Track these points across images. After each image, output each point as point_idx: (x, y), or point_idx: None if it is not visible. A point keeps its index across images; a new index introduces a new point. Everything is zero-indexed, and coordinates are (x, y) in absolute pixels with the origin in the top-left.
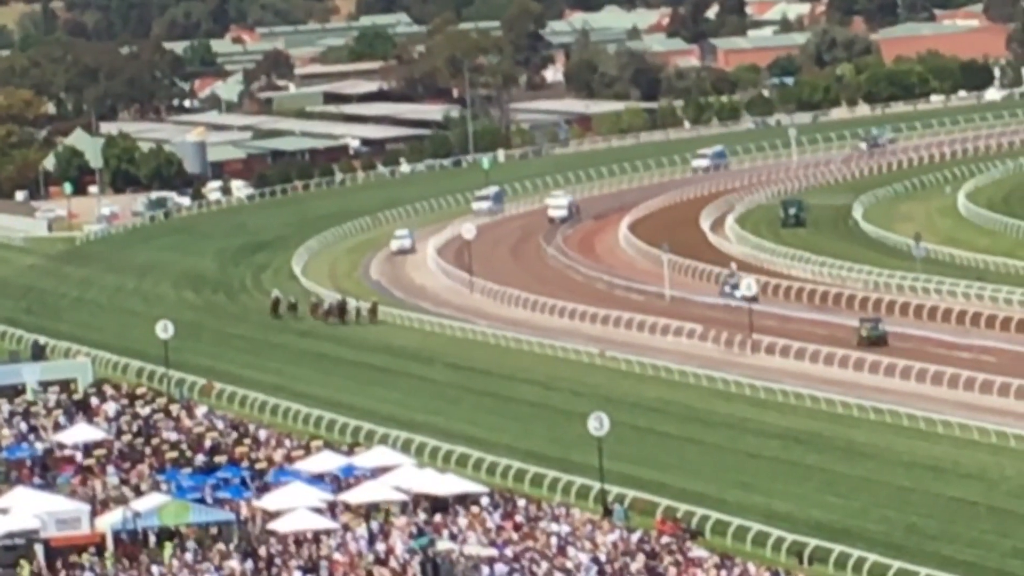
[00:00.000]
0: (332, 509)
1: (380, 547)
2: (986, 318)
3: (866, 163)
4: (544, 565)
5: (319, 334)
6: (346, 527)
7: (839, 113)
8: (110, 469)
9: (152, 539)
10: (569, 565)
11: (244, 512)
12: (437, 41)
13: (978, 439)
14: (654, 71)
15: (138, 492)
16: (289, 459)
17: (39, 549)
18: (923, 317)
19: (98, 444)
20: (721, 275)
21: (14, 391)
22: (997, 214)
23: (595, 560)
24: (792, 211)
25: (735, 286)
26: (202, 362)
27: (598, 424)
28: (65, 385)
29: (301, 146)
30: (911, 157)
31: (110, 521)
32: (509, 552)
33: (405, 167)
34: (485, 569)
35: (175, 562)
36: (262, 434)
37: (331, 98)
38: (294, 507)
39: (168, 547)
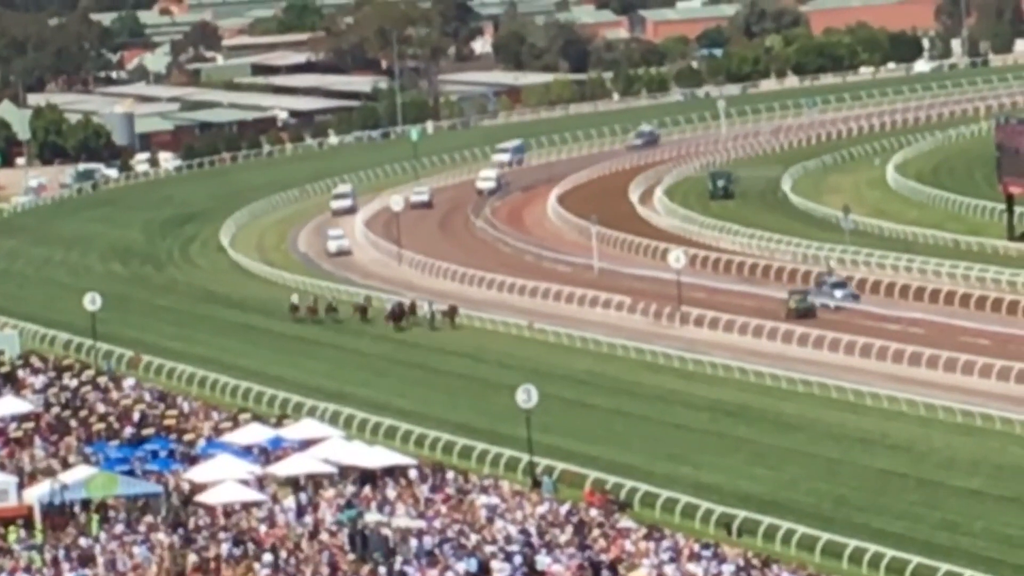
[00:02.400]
0: (260, 481)
1: (308, 519)
2: (914, 290)
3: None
4: (473, 537)
5: (248, 306)
6: (274, 499)
7: (768, 85)
8: (37, 441)
9: (80, 511)
10: (498, 537)
11: (172, 484)
12: (365, 12)
13: (906, 411)
14: (583, 43)
15: (66, 464)
16: (217, 431)
17: None
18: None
19: (25, 416)
20: (817, 274)
21: None
22: (926, 186)
23: (523, 532)
24: (721, 183)
25: (836, 285)
26: (130, 334)
27: (526, 396)
28: None
29: (229, 118)
30: (840, 129)
31: (38, 494)
32: (438, 524)
33: (333, 139)
34: (414, 541)
35: (103, 534)
36: (190, 406)
37: (259, 70)
38: (222, 479)
39: (96, 519)
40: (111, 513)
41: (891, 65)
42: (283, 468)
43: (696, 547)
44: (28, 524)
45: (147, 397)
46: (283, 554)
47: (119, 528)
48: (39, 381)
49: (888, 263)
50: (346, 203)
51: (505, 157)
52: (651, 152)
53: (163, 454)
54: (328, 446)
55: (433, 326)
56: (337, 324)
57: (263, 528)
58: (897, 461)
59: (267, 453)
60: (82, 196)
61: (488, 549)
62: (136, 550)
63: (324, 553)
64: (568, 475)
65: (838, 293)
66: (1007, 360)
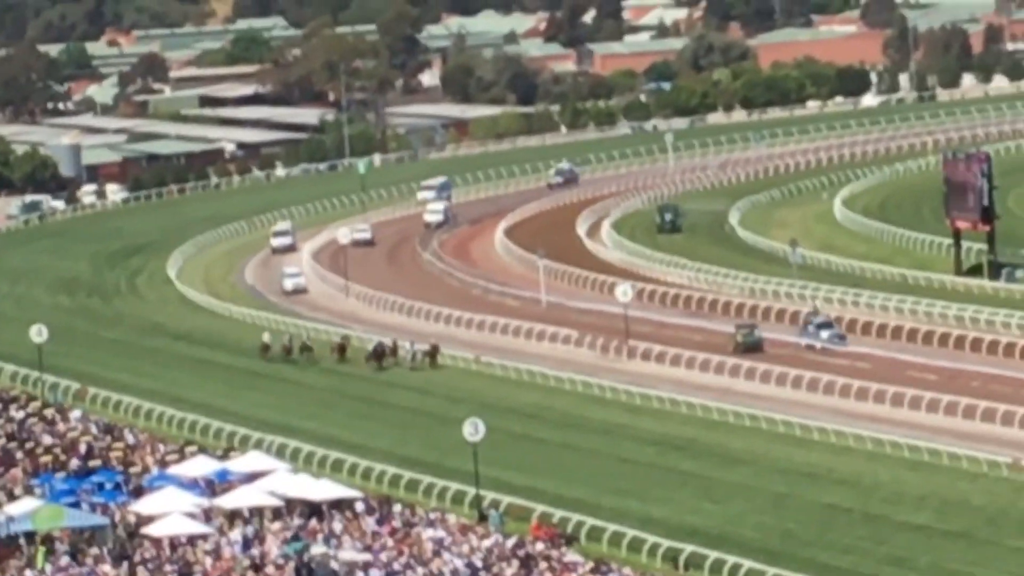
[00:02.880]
0: (206, 514)
1: (254, 552)
2: (862, 325)
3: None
4: (419, 570)
5: (194, 339)
6: (221, 531)
7: (716, 118)
8: None
9: (26, 543)
10: (444, 570)
11: (118, 516)
12: (313, 45)
13: (853, 446)
14: (531, 76)
15: (12, 496)
16: (163, 463)
17: None
18: (799, 323)
19: None
20: (804, 314)
21: None
22: (873, 220)
23: (470, 565)
24: (668, 216)
25: (822, 325)
26: (76, 366)
27: (473, 430)
28: None
29: (176, 149)
30: (788, 163)
31: None
32: (384, 557)
33: (281, 171)
34: (360, 574)
35: (49, 566)
36: (136, 438)
37: (207, 101)
38: (168, 512)
39: (42, 551)
40: (57, 545)
41: (839, 99)
42: (229, 501)
43: None
44: None
45: (93, 429)
46: None
47: (65, 560)
48: None
49: (835, 297)
50: (286, 240)
51: (430, 195)
52: (572, 190)
53: (109, 486)
54: (274, 479)
55: (414, 366)
56: (312, 365)
57: (209, 561)
58: (844, 496)
59: (213, 486)
60: (29, 228)
61: None
62: None
63: None
64: (515, 509)
65: (824, 334)
66: (954, 395)
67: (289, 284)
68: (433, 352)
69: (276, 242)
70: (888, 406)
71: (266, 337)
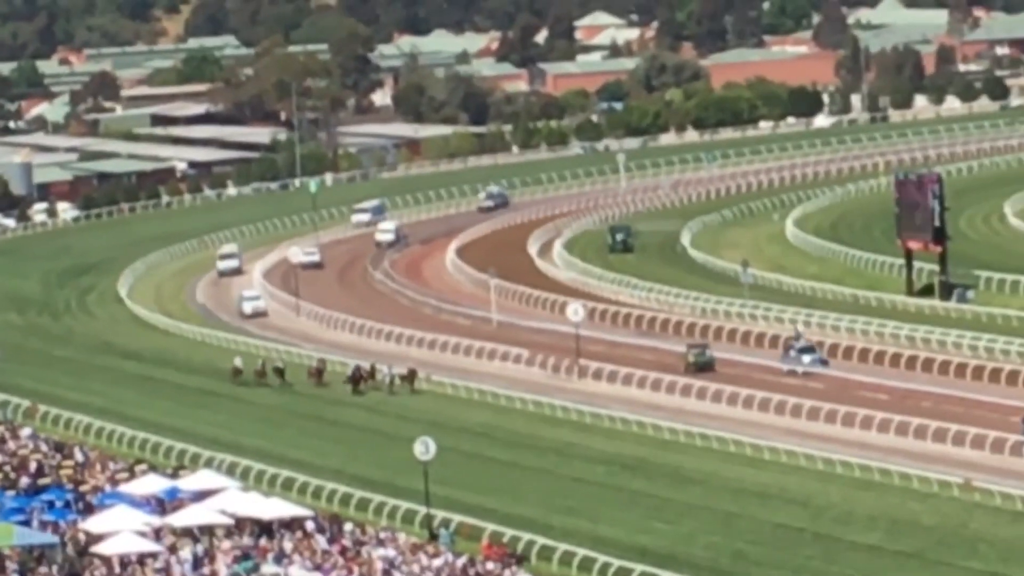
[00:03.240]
0: (156, 532)
1: (204, 571)
2: (814, 345)
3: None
4: None
5: (145, 357)
6: (171, 550)
7: (668, 139)
8: None
9: None
10: None
11: (68, 534)
12: (265, 64)
13: (804, 465)
14: (483, 95)
15: None
16: (113, 482)
17: None
18: (750, 343)
19: None
20: (785, 339)
21: None
22: (825, 241)
23: None
24: (620, 237)
25: (804, 350)
26: (26, 384)
27: (424, 449)
28: None
29: (128, 168)
30: (739, 183)
31: None
32: None
33: (232, 190)
34: None
35: None
36: (86, 456)
37: (158, 120)
38: (119, 530)
39: None
40: (6, 564)
41: (791, 120)
42: (179, 519)
43: None
44: None
45: (44, 447)
46: None
47: None
48: None
49: (787, 318)
50: (233, 263)
51: (364, 217)
52: (504, 214)
53: (59, 504)
54: (225, 497)
55: (392, 391)
56: (285, 388)
57: None
58: (795, 515)
59: (163, 504)
60: None
61: None
62: None
63: None
64: (465, 528)
65: (806, 359)
66: (905, 415)
67: (248, 308)
68: (411, 376)
69: (223, 265)
70: (839, 426)
71: (237, 361)
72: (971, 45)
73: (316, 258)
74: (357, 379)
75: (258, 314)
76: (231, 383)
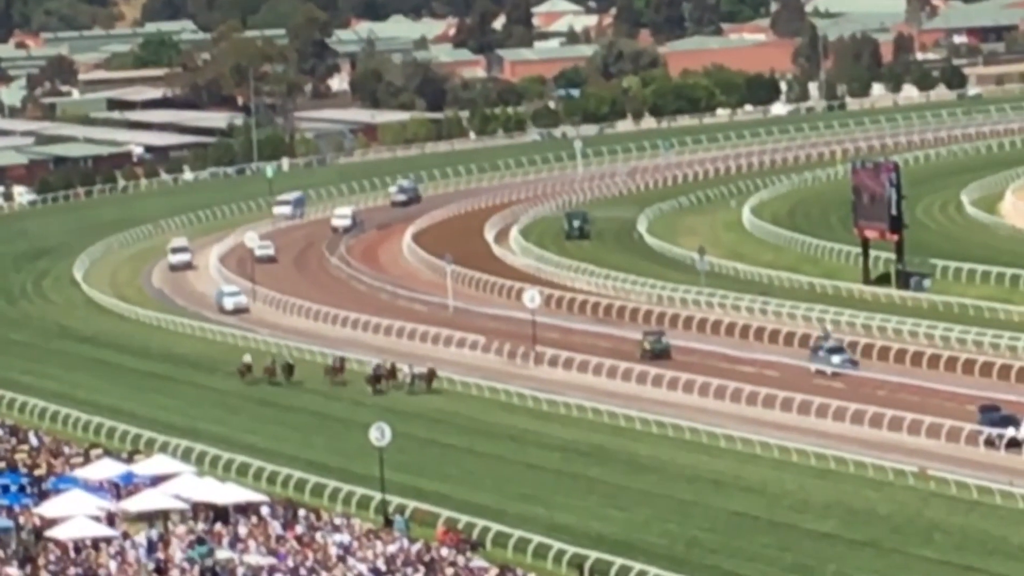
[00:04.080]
0: (111, 517)
1: (159, 555)
2: (769, 332)
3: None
4: (324, 575)
5: (100, 341)
6: (125, 535)
7: (625, 126)
8: None
9: None
10: (349, 575)
11: (22, 519)
12: (222, 48)
13: (760, 453)
14: (440, 81)
15: None
16: (68, 466)
17: None
18: (707, 331)
19: None
20: (814, 339)
21: None
22: (781, 229)
23: (375, 570)
24: (576, 223)
25: (833, 350)
26: None
27: (380, 435)
28: None
29: (84, 152)
30: (696, 170)
31: None
32: (289, 562)
33: (188, 175)
34: None
35: None
36: (41, 441)
37: (115, 104)
38: (73, 514)
39: None
40: None
41: (748, 107)
42: (134, 504)
43: None
44: None
45: None
46: None
47: None
48: None
49: (743, 305)
50: (184, 257)
51: (286, 210)
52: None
53: (14, 489)
54: (180, 482)
55: (412, 390)
56: (295, 386)
57: (114, 564)
58: (750, 503)
59: (118, 489)
60: None
61: None
62: None
63: None
64: (420, 514)
65: (835, 359)
66: (861, 403)
67: (229, 303)
68: (430, 375)
69: (174, 259)
70: (795, 414)
71: (247, 358)
72: (929, 34)
73: (271, 251)
74: (378, 378)
75: (240, 310)
76: (241, 381)
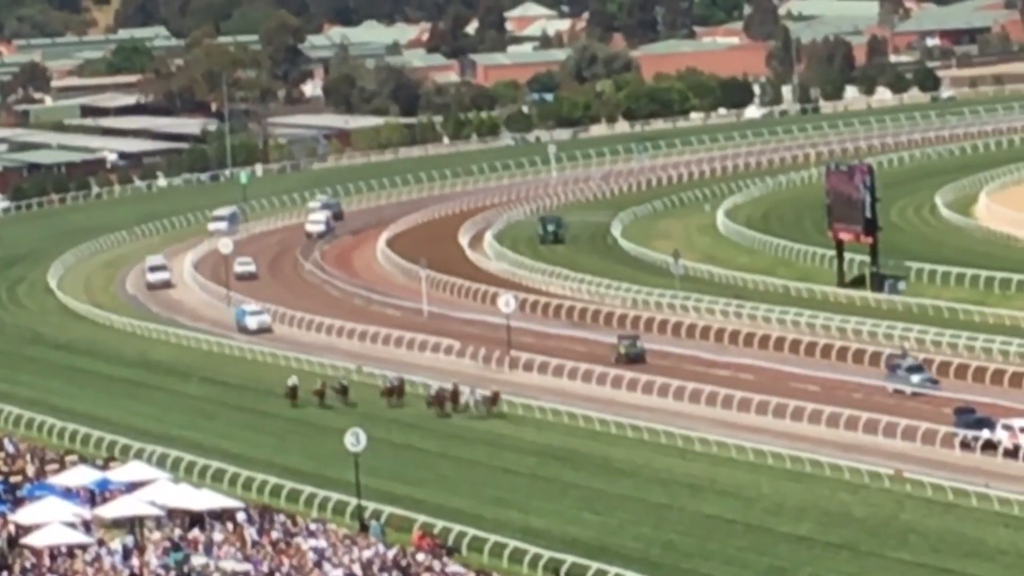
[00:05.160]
0: (86, 524)
1: (135, 562)
2: (744, 336)
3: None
4: None
5: (75, 348)
6: (101, 542)
7: (599, 130)
8: None
9: None
10: None
11: None
12: (195, 55)
13: (735, 457)
14: (413, 86)
15: None
16: (43, 473)
17: None
18: (681, 334)
19: None
20: (888, 356)
21: None
22: (756, 232)
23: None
24: (551, 228)
25: (912, 369)
26: None
27: (355, 440)
28: None
29: (58, 159)
30: (670, 174)
31: None
32: (265, 567)
33: (162, 181)
34: None
35: None
36: (16, 448)
37: (88, 111)
38: (48, 521)
39: None
40: None
41: (722, 111)
42: (110, 510)
43: None
44: None
45: None
46: None
47: None
48: None
49: (718, 308)
50: (163, 275)
51: (222, 225)
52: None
53: None
54: (155, 489)
55: (475, 413)
56: (349, 408)
57: (89, 571)
58: (726, 507)
59: (94, 495)
60: None
61: None
62: None
63: None
64: (396, 519)
65: (915, 378)
66: (836, 406)
67: (253, 323)
68: (494, 399)
69: (153, 277)
70: (770, 417)
71: (293, 380)
72: (902, 36)
73: (252, 268)
74: (440, 400)
75: (263, 330)
76: (289, 405)
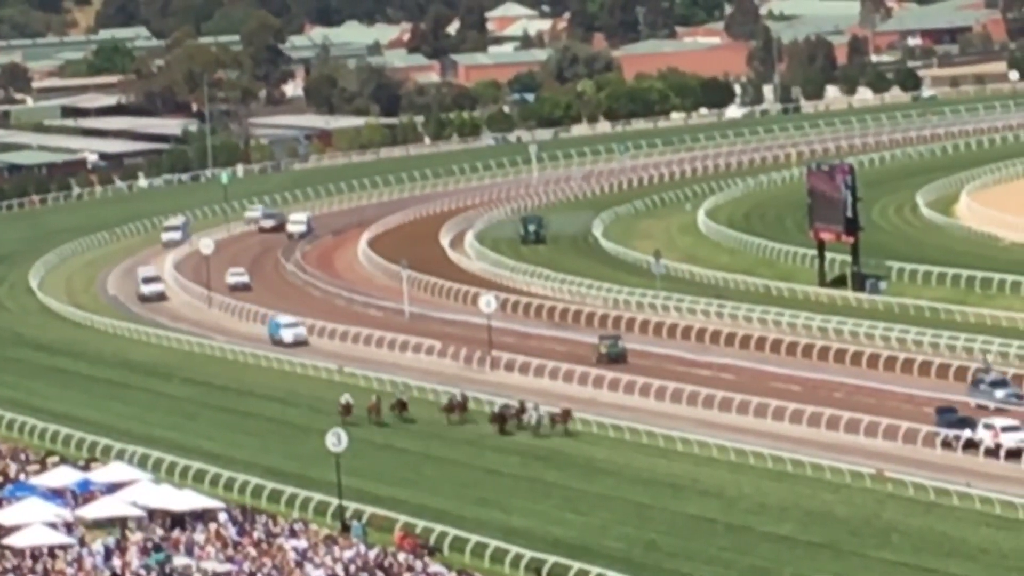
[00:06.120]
0: (68, 525)
1: (116, 562)
2: (725, 336)
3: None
4: None
5: (56, 349)
6: (82, 542)
7: (580, 130)
8: None
9: None
10: None
11: None
12: (176, 55)
13: (717, 456)
14: (394, 86)
15: None
16: (25, 474)
17: None
18: (663, 334)
19: None
20: (973, 371)
21: None
22: (737, 232)
23: None
24: (532, 228)
25: (996, 383)
26: None
27: (336, 440)
28: None
29: (38, 160)
30: (651, 174)
31: None
32: (246, 568)
33: (143, 182)
34: None
35: None
36: None
37: (69, 112)
38: (30, 522)
39: None
40: None
41: (703, 111)
42: (91, 511)
43: None
44: None
45: None
46: None
47: None
48: None
49: (699, 308)
50: (157, 287)
51: (176, 235)
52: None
53: None
54: (137, 489)
55: (539, 432)
56: (408, 424)
57: (71, 571)
58: (707, 506)
59: (75, 496)
60: None
61: None
62: None
63: None
64: (378, 519)
65: (999, 393)
66: (817, 406)
67: (289, 335)
68: (564, 416)
69: (147, 289)
70: (752, 417)
71: (346, 398)
72: (883, 36)
73: (245, 279)
74: (504, 417)
75: (300, 343)
76: (341, 422)
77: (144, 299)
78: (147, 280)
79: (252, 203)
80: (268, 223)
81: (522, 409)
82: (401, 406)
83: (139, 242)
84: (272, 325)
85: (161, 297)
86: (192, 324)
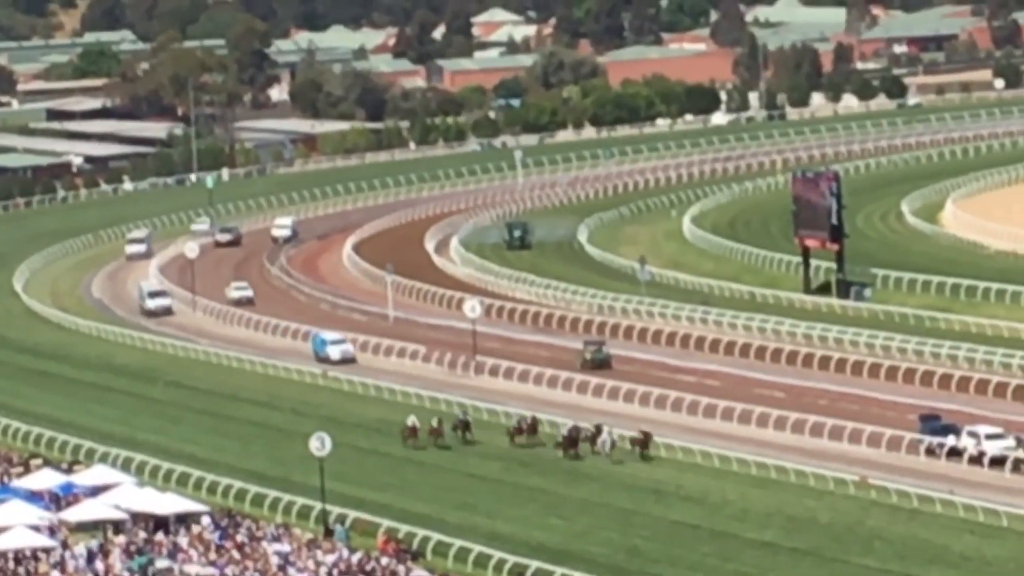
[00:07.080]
0: (51, 527)
1: (99, 566)
2: (710, 342)
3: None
4: None
5: (40, 352)
6: (65, 545)
7: (565, 136)
8: None
9: None
10: None
11: None
12: (161, 59)
13: (701, 462)
14: (380, 91)
15: None
16: (8, 477)
17: None
18: (647, 340)
19: None
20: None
21: None
22: (722, 238)
23: None
24: (517, 233)
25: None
26: None
27: (320, 444)
28: None
29: (23, 163)
30: (637, 180)
31: None
32: (229, 572)
33: (128, 185)
34: None
35: None
36: None
37: (54, 115)
38: (13, 525)
39: None
40: None
41: (688, 117)
42: (75, 514)
43: None
44: None
45: None
46: None
47: None
48: None
49: (684, 314)
50: (164, 302)
51: (141, 248)
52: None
53: None
54: (120, 492)
55: (613, 458)
56: (469, 445)
57: (54, 574)
58: (691, 512)
59: (58, 499)
60: None
61: None
62: None
63: None
64: (361, 523)
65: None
66: (801, 412)
67: (335, 352)
68: (645, 440)
69: (153, 304)
70: (736, 423)
71: (412, 420)
72: (869, 43)
73: (249, 293)
74: (574, 441)
75: (347, 360)
76: (405, 446)
77: (150, 314)
78: (153, 295)
79: (199, 215)
80: (224, 237)
81: (598, 432)
82: (464, 426)
83: (124, 245)
84: (317, 342)
85: (167, 312)
86: (176, 327)
